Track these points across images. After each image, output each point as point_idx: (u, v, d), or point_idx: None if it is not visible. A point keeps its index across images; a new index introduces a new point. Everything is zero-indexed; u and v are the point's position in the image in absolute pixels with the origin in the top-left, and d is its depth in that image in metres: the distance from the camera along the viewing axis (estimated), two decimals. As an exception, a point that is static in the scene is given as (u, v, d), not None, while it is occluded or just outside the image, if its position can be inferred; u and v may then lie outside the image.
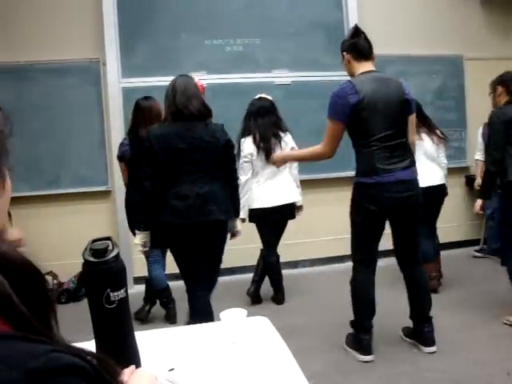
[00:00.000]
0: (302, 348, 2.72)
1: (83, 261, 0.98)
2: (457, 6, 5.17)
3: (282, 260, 3.89)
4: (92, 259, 0.97)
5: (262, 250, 3.75)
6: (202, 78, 4.54)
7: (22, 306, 0.52)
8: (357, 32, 2.72)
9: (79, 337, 1.15)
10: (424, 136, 3.77)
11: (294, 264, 4.43)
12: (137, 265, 3.98)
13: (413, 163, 2.62)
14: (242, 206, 2.91)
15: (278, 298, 3.61)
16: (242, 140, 3.51)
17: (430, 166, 3.73)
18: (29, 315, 0.53)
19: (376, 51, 4.88)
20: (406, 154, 2.60)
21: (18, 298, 0.52)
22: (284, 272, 3.98)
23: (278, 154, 3.23)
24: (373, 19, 4.88)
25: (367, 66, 2.67)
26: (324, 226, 4.66)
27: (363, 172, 2.58)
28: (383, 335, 2.88)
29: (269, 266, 3.67)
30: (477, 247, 5.01)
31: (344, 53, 2.73)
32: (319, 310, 2.84)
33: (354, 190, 2.66)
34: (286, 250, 3.99)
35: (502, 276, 3.11)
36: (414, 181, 2.62)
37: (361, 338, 2.66)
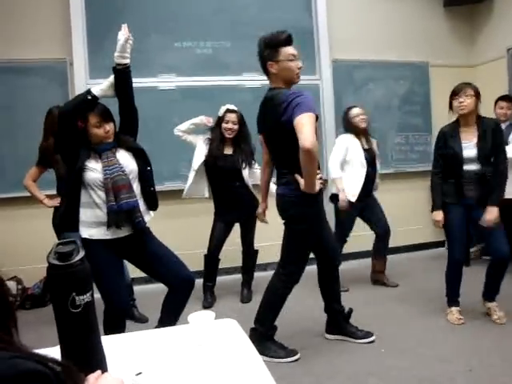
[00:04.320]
0: (271, 350, 2.75)
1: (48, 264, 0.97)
2: (422, 14, 5.32)
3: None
4: (57, 262, 0.96)
5: None
6: (171, 81, 4.55)
7: None
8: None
9: (44, 343, 1.13)
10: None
11: (264, 266, 4.45)
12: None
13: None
14: None
15: None
16: None
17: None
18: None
19: (344, 56, 5.01)
20: None
21: None
22: (254, 274, 4.04)
23: None
24: (342, 24, 4.97)
25: None
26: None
27: None
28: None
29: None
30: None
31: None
32: (287, 311, 2.86)
33: None
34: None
35: (465, 276, 3.20)
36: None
37: None
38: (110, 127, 2.41)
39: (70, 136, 2.34)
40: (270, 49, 2.58)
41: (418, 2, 5.32)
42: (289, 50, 2.56)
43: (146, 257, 2.52)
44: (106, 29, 4.32)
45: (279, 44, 2.56)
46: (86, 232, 2.39)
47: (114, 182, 2.34)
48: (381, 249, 4.13)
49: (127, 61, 2.43)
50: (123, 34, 2.41)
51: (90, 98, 2.34)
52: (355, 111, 3.93)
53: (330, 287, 2.93)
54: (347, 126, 3.96)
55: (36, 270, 3.56)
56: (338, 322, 2.96)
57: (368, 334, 2.92)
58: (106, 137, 2.40)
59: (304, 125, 2.33)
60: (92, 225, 2.39)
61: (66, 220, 2.45)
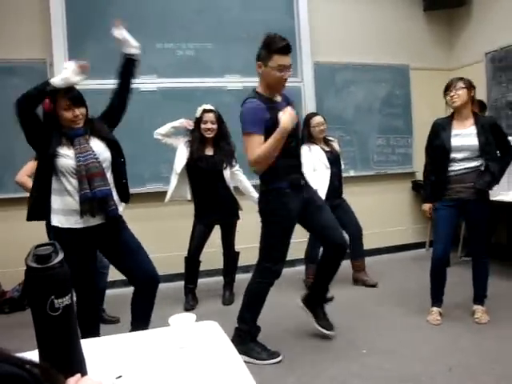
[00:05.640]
0: (253, 352, 2.74)
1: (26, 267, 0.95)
2: (403, 17, 5.39)
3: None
4: (35, 265, 0.94)
5: None
6: (152, 82, 4.52)
7: None
8: None
9: (24, 347, 1.11)
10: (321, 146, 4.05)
11: (246, 268, 4.44)
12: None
13: None
14: None
15: None
16: None
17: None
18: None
19: (326, 59, 5.05)
20: None
21: None
22: (236, 276, 4.04)
23: None
24: (323, 27, 5.01)
25: None
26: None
27: None
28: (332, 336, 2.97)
29: None
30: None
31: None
32: (269, 312, 2.86)
33: None
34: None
35: (448, 277, 3.23)
36: None
37: None
38: (79, 112, 2.35)
39: (31, 124, 2.29)
40: (264, 50, 2.58)
41: (399, 5, 5.39)
42: (280, 59, 2.54)
43: (118, 247, 2.49)
44: (87, 29, 4.29)
45: (274, 50, 2.54)
46: (57, 220, 2.36)
47: (87, 170, 2.29)
48: (358, 250, 4.18)
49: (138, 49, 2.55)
50: (120, 30, 2.57)
51: (48, 90, 2.26)
52: (316, 121, 4.02)
53: (327, 277, 2.91)
54: (307, 133, 4.02)
55: (15, 273, 3.49)
56: (316, 310, 2.99)
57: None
58: (73, 121, 2.35)
59: (245, 144, 2.59)
60: (63, 212, 2.35)
61: (36, 208, 2.39)
